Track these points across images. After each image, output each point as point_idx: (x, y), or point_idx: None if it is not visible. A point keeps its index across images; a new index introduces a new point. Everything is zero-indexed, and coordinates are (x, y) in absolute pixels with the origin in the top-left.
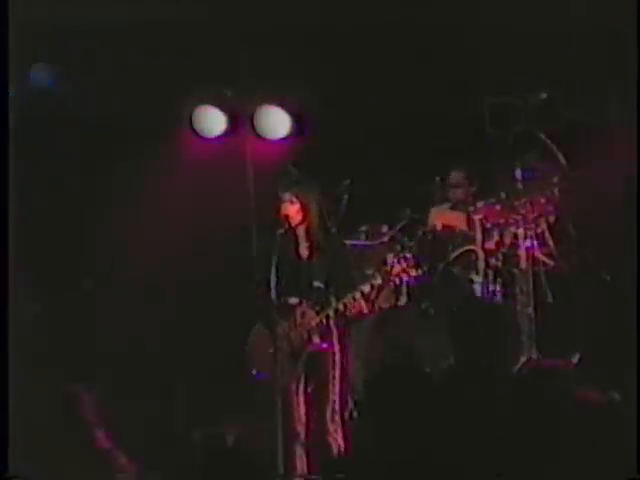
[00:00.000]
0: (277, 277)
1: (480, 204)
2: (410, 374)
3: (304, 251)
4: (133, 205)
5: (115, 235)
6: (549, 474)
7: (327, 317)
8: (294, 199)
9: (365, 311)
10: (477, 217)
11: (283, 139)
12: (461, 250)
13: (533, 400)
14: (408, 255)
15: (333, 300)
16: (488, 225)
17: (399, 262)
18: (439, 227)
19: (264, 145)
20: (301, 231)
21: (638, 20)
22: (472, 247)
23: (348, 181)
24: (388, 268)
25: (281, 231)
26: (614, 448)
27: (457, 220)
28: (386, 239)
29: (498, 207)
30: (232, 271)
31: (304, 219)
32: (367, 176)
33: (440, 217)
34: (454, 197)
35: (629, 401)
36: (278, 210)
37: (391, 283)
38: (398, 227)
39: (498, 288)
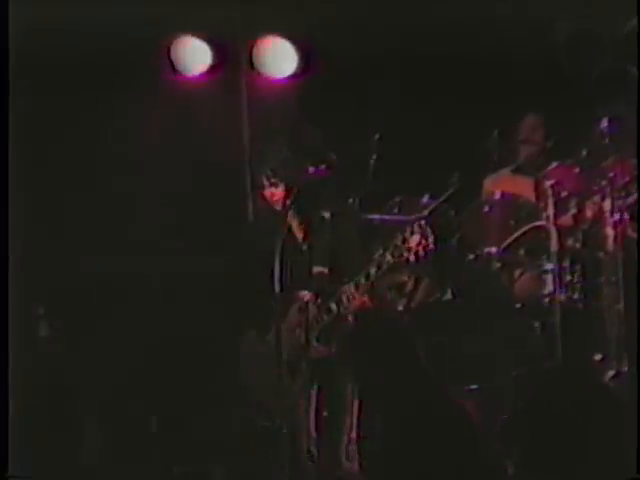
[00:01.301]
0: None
1: (553, 166)
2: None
3: (298, 232)
4: (108, 159)
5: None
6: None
7: (329, 310)
8: (277, 182)
9: (367, 303)
10: (548, 183)
11: (287, 78)
12: (526, 228)
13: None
14: (422, 223)
15: (345, 288)
16: (563, 194)
17: (414, 233)
18: (497, 196)
19: (263, 85)
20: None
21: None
22: (541, 223)
23: (376, 136)
24: (399, 242)
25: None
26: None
27: (521, 187)
28: (426, 213)
29: (577, 170)
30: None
31: (292, 203)
32: (400, 130)
33: (499, 184)
34: (521, 155)
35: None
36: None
37: (403, 260)
38: (443, 197)
39: (577, 278)
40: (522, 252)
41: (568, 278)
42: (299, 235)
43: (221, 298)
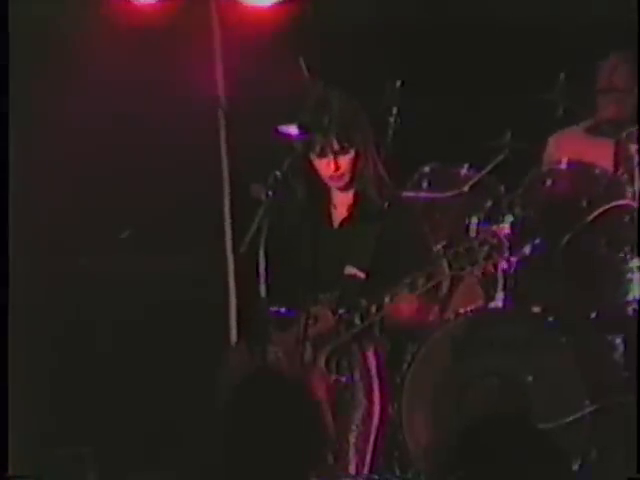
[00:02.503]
0: (266, 251)
1: None
2: (515, 429)
3: (339, 213)
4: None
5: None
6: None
7: (351, 325)
8: (346, 145)
9: (414, 316)
10: (635, 148)
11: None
12: (604, 208)
13: None
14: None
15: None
16: None
17: (488, 238)
18: (563, 165)
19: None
20: (342, 193)
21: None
22: (624, 202)
23: (397, 84)
24: (462, 250)
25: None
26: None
27: (597, 152)
28: (466, 189)
29: None
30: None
31: (360, 174)
32: (429, 74)
33: (566, 147)
34: (598, 109)
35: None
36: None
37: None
38: (489, 167)
39: None
40: (601, 242)
41: None
42: (338, 219)
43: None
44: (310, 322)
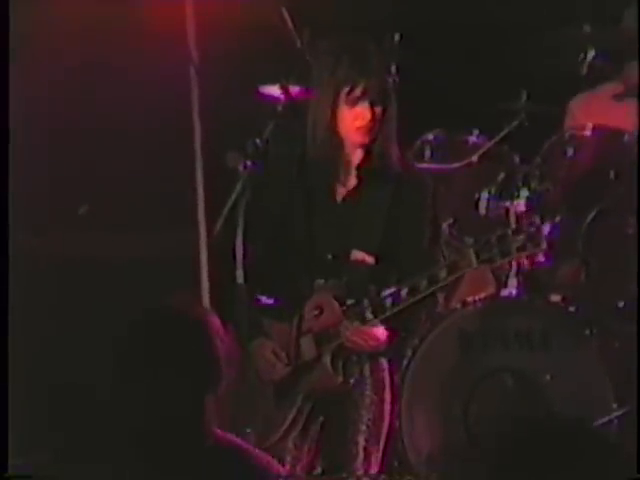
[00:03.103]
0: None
1: None
2: (535, 433)
3: (344, 185)
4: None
5: None
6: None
7: (361, 318)
8: (376, 98)
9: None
10: None
11: None
12: (635, 180)
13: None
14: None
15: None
16: None
17: (524, 225)
18: (588, 131)
19: None
20: (357, 153)
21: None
22: None
23: (396, 38)
24: (494, 240)
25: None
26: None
27: (626, 116)
28: (475, 159)
29: None
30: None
31: (381, 131)
32: (432, 27)
33: (591, 111)
34: (626, 69)
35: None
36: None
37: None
38: (501, 134)
39: None
40: (630, 221)
41: None
42: (342, 191)
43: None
44: (315, 313)
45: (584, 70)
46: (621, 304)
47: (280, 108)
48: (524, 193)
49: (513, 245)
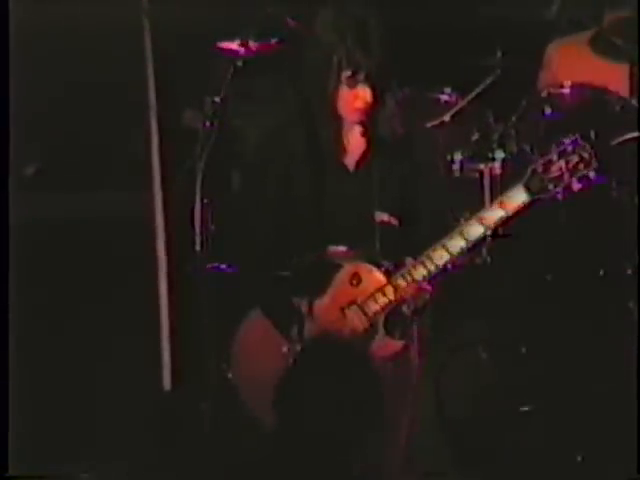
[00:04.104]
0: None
1: None
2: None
3: (354, 152)
4: None
5: None
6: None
7: (395, 287)
8: (376, 80)
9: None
10: None
11: None
12: (616, 141)
13: None
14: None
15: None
16: None
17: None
18: (566, 89)
19: None
20: (356, 129)
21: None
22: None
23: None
24: (545, 161)
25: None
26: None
27: (607, 73)
28: (447, 118)
29: None
30: None
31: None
32: None
33: (569, 67)
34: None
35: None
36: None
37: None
38: (475, 92)
39: None
40: (612, 184)
41: None
42: (354, 158)
43: None
44: (354, 282)
45: (563, 23)
46: (602, 272)
47: (240, 63)
48: (499, 155)
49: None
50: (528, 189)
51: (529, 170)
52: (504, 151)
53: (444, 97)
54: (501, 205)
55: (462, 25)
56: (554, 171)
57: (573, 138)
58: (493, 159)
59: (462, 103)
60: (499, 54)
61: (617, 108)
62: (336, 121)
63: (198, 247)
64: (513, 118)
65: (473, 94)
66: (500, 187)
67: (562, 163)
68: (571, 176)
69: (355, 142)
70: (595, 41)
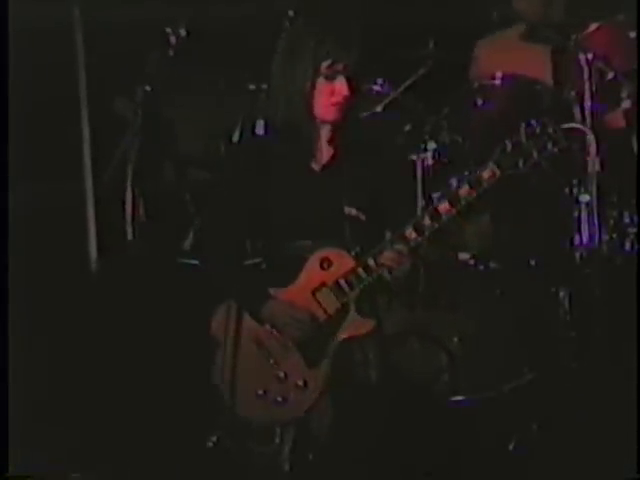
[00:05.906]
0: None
1: (591, 27)
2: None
3: (320, 156)
4: None
5: None
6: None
7: (366, 269)
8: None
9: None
10: (584, 57)
11: None
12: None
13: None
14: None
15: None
16: (609, 74)
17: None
18: (497, 80)
19: None
20: (326, 129)
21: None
22: (571, 125)
23: None
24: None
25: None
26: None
27: (536, 63)
28: (380, 109)
29: (632, 34)
30: None
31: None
32: None
33: (500, 57)
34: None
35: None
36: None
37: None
38: (407, 83)
39: (629, 218)
40: (543, 175)
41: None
42: (322, 156)
43: None
44: (324, 266)
45: (494, 16)
46: (533, 262)
47: (172, 53)
48: (431, 145)
49: (531, 148)
50: (498, 166)
51: (498, 150)
52: (436, 142)
53: (376, 88)
54: (476, 178)
55: (395, 16)
56: (523, 150)
57: (540, 120)
58: (425, 150)
59: (394, 94)
60: (431, 45)
61: (547, 99)
62: (308, 119)
63: (130, 237)
64: (445, 109)
65: (405, 85)
66: (432, 178)
67: (531, 143)
68: (539, 154)
69: (325, 144)
70: (526, 36)
